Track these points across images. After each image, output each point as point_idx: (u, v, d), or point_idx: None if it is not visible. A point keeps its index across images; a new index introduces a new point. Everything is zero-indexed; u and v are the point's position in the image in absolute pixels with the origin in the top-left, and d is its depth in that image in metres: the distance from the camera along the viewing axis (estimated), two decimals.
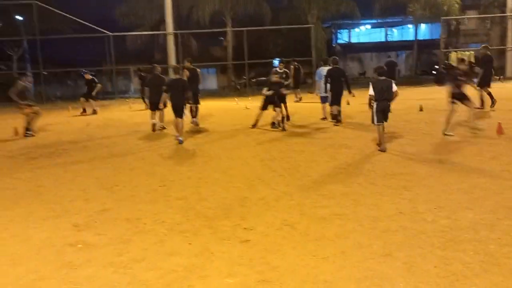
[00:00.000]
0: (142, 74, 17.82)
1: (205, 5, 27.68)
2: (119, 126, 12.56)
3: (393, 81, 7.69)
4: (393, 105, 12.66)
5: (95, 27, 23.54)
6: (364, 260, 3.37)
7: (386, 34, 42.94)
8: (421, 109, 12.36)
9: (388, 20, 39.12)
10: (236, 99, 19.58)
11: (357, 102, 13.34)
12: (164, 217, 4.63)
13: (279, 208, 4.78)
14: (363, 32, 43.99)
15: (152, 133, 10.85)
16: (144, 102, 17.11)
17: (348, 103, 14.03)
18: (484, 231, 3.84)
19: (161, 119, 11.25)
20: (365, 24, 42.49)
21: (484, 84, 11.81)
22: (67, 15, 23.75)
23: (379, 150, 7.50)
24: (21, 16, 28.11)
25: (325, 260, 3.42)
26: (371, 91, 7.59)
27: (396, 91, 7.63)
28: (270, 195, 5.26)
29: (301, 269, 3.29)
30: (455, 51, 26.79)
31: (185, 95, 9.44)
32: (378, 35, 42.90)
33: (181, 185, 5.94)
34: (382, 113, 7.53)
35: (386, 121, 7.70)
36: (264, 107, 10.67)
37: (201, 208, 4.89)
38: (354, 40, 43.79)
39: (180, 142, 9.14)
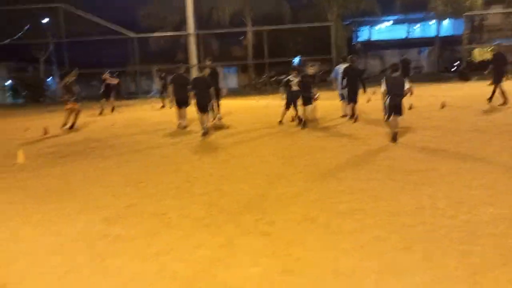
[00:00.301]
0: (162, 74, 18.32)
1: (225, 5, 27.96)
2: (143, 125, 12.88)
3: (405, 79, 8.04)
4: (415, 102, 12.76)
5: (119, 29, 24.07)
6: (383, 253, 3.47)
7: (408, 31, 42.33)
8: (442, 106, 12.26)
9: (410, 17, 38.57)
10: (256, 97, 19.74)
11: (378, 99, 13.30)
12: (188, 212, 4.81)
13: (300, 203, 4.90)
14: (384, 29, 43.47)
15: (175, 131, 11.13)
16: (162, 101, 17.54)
17: (368, 101, 14.04)
18: (503, 225, 3.87)
19: (184, 116, 11.62)
20: (386, 21, 41.98)
21: (498, 80, 12.12)
22: (92, 18, 24.36)
23: (391, 141, 7.86)
24: (48, 19, 28.93)
25: (345, 253, 3.53)
26: (383, 88, 7.90)
27: (408, 88, 7.90)
28: (290, 191, 5.39)
29: (323, 261, 3.41)
30: (478, 47, 26.24)
31: (208, 92, 10.04)
32: (399, 32, 42.31)
33: (204, 182, 6.11)
34: (394, 108, 7.79)
35: (400, 114, 7.92)
36: (288, 106, 10.76)
37: (224, 204, 5.05)
38: (375, 37, 43.31)
39: (204, 134, 9.81)
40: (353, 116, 10.89)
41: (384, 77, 8.14)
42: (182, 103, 11.30)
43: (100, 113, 16.45)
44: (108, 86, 16.81)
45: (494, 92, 12.25)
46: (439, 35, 33.19)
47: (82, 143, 9.99)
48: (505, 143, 7.44)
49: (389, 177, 5.78)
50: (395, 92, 7.77)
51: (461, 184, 5.23)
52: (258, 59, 27.43)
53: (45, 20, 29.09)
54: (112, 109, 16.82)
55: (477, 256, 3.31)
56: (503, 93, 11.93)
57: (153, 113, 16.34)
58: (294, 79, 10.56)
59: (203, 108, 9.99)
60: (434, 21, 35.54)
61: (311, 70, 10.73)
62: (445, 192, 4.98)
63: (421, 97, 15.91)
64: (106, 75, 17.04)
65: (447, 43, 35.31)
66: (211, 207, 4.95)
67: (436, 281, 2.98)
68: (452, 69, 31.36)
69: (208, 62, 11.99)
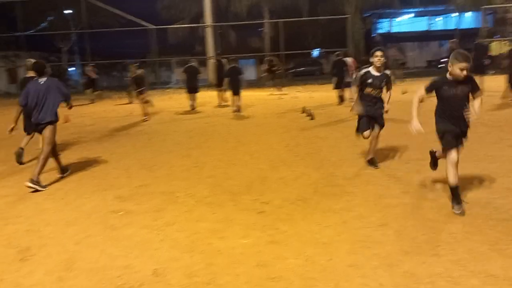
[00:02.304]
0: (89, 70, 19.74)
1: None
2: (160, 114, 13.43)
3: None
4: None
5: (139, 21, 24.71)
6: (361, 228, 3.86)
7: (429, 23, 41.84)
8: None
9: (430, 9, 38.12)
10: (271, 89, 20.09)
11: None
12: (194, 191, 5.28)
13: (296, 186, 5.31)
14: (405, 21, 43.08)
15: (189, 121, 11.68)
16: (129, 95, 18.04)
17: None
18: (477, 208, 4.21)
19: (194, 99, 13.96)
20: (407, 13, 41.59)
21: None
22: (113, 10, 25.05)
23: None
24: (70, 11, 29.79)
25: (328, 227, 3.94)
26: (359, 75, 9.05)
27: None
28: (289, 175, 5.80)
29: (306, 233, 3.82)
30: (497, 41, 25.85)
31: (239, 79, 12.35)
32: (420, 24, 41.87)
33: (212, 166, 6.58)
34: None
35: None
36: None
37: (227, 185, 5.50)
38: (395, 29, 42.98)
39: (235, 111, 12.31)
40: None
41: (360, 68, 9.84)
42: (192, 90, 13.85)
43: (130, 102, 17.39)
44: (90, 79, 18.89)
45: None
46: (460, 28, 32.69)
47: (101, 130, 10.59)
48: (503, 135, 7.67)
49: (385, 165, 6.13)
50: None
51: None
52: (276, 51, 27.68)
53: (68, 11, 29.96)
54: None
55: (445, 232, 3.67)
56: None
57: (171, 103, 16.90)
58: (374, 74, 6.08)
59: (236, 91, 12.45)
60: (455, 14, 35.04)
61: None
62: (433, 178, 5.30)
63: None
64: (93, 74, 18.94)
65: (469, 36, 34.72)
66: (215, 188, 5.41)
67: (402, 251, 3.37)
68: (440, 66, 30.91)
69: (216, 56, 14.47)
